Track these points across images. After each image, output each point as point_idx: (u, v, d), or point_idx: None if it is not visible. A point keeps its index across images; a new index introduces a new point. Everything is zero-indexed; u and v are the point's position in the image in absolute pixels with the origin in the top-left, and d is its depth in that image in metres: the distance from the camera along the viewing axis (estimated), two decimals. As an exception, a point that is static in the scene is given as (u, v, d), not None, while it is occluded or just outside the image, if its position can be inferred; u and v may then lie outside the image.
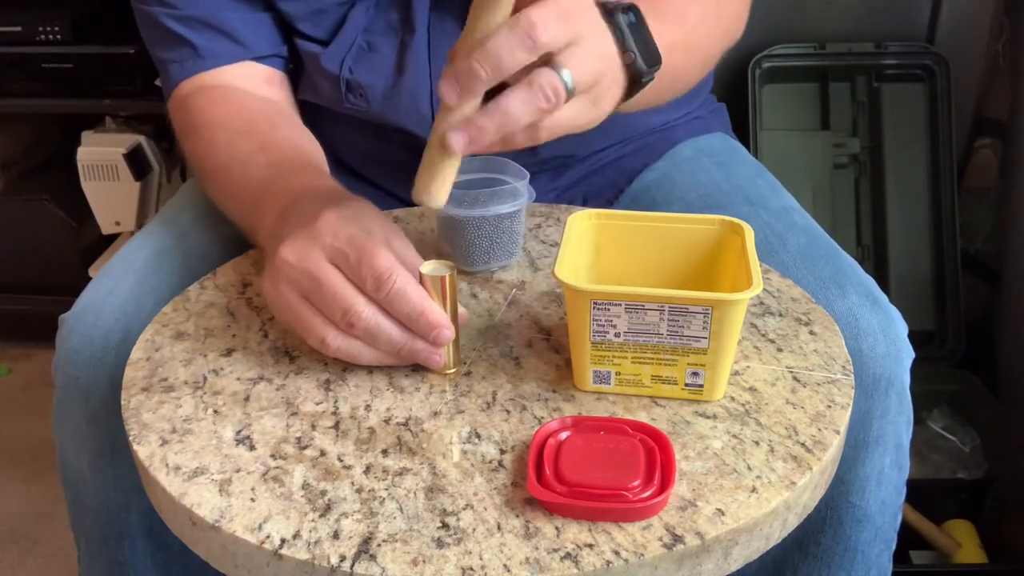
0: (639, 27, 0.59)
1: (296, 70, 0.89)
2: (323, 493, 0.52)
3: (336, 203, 0.62)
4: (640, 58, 0.58)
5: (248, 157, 0.74)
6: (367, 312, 0.58)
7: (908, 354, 0.72)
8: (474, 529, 0.50)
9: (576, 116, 0.56)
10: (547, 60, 0.53)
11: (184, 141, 0.83)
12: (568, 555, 0.48)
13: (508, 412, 0.59)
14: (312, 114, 0.89)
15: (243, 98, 0.83)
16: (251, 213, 0.70)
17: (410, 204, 0.87)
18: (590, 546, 0.49)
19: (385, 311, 0.58)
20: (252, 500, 0.52)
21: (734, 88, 1.47)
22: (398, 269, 0.57)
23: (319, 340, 0.59)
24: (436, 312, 0.58)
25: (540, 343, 0.66)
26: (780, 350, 0.65)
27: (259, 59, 0.86)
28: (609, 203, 0.94)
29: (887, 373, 0.70)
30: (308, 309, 0.59)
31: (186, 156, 0.83)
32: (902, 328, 0.73)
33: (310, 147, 0.79)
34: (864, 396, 0.69)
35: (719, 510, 0.51)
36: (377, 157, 0.93)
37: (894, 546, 0.76)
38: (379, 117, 0.86)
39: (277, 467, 0.54)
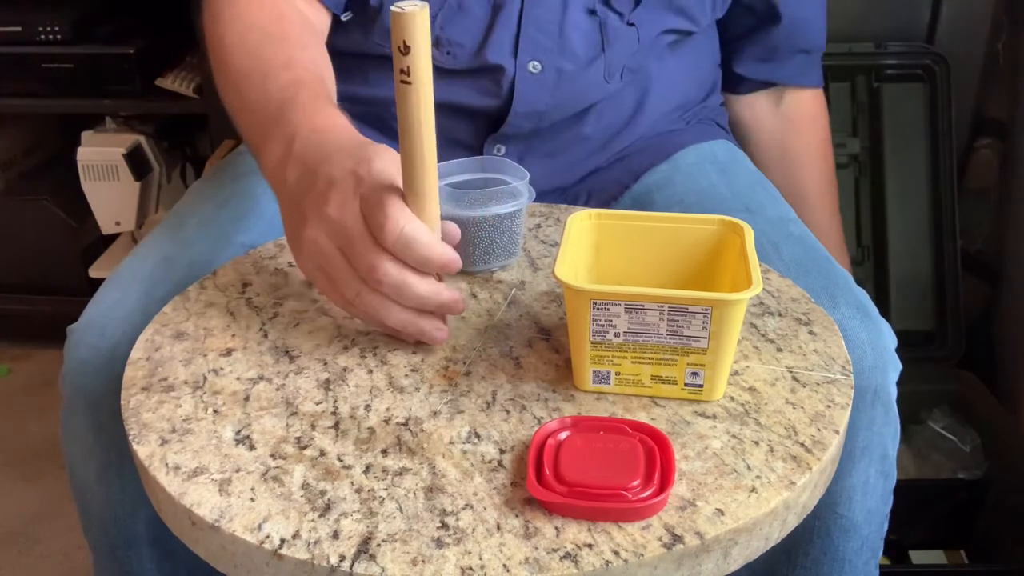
0: None
1: (356, 23, 0.90)
2: (323, 493, 0.52)
3: (364, 148, 0.62)
4: None
5: (271, 69, 0.73)
6: (395, 268, 0.59)
7: (895, 367, 0.73)
8: (474, 529, 0.50)
9: None
10: None
11: (211, 25, 0.82)
12: (568, 555, 0.48)
13: (508, 412, 0.59)
14: (375, 69, 0.91)
15: (286, 7, 0.82)
16: (259, 137, 0.70)
17: None
18: (589, 546, 0.49)
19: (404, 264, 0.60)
20: (252, 500, 0.52)
21: (734, 88, 1.47)
22: (407, 215, 0.58)
23: (354, 292, 0.60)
24: (445, 250, 0.60)
25: (540, 343, 0.66)
26: (780, 350, 0.65)
27: None
28: (614, 199, 0.94)
29: (873, 385, 0.71)
30: (344, 264, 0.60)
31: (208, 37, 0.82)
32: (891, 341, 0.74)
33: (330, 78, 0.79)
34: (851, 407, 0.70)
35: (718, 510, 0.51)
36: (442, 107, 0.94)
37: (880, 553, 0.76)
38: (464, 72, 0.88)
39: (277, 467, 0.55)
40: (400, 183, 0.60)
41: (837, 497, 0.71)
